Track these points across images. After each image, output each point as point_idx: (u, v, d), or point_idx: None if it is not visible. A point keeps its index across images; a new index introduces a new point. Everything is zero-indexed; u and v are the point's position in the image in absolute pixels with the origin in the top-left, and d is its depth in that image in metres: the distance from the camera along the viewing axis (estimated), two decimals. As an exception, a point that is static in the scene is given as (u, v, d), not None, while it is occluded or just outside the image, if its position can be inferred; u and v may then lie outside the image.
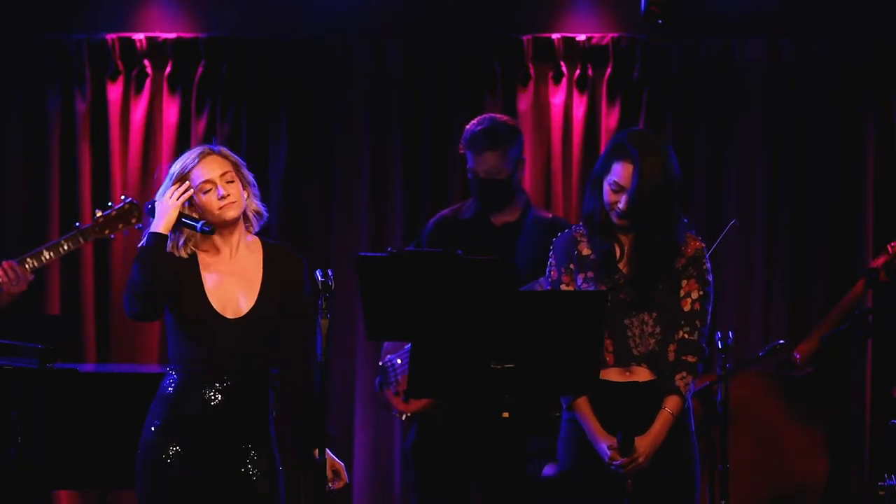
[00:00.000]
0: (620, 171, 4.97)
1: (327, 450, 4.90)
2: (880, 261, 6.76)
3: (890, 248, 6.72)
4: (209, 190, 4.80)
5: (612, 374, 4.98)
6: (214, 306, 4.80)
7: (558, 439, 5.09)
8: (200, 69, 7.62)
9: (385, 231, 7.61)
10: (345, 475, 4.92)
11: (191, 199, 4.81)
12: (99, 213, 6.11)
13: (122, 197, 6.21)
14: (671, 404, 4.94)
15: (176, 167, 4.85)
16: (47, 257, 6.07)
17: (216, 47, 7.62)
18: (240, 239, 4.88)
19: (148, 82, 7.65)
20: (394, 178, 7.61)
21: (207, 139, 7.61)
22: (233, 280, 4.83)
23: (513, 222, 6.47)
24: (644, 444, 4.89)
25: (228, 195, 4.80)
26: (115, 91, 7.65)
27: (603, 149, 7.45)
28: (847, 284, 7.00)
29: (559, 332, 4.67)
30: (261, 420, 4.82)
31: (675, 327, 4.97)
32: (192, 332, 4.81)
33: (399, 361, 6.28)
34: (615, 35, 7.50)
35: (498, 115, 6.67)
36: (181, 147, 7.64)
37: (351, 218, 7.63)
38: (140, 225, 6.20)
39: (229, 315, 4.81)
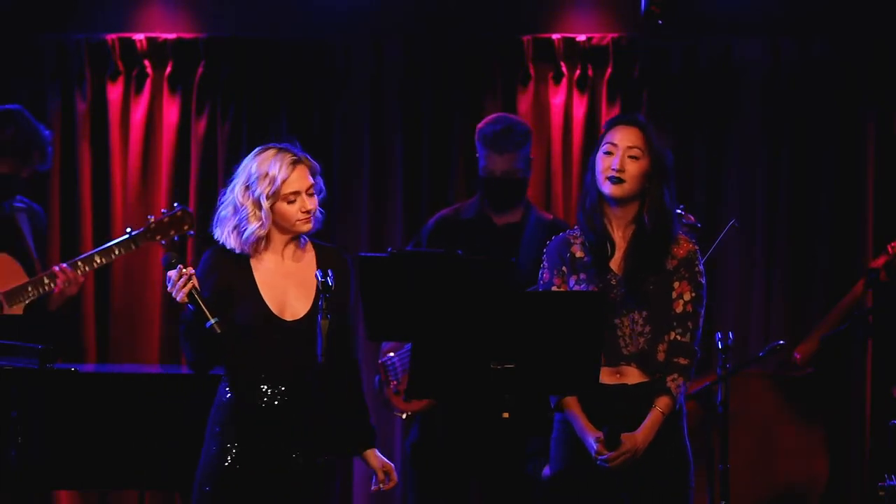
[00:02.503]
0: (614, 133, 4.98)
1: (376, 451, 4.93)
2: (880, 261, 6.77)
3: (890, 248, 6.73)
4: (293, 201, 4.76)
5: (602, 375, 4.96)
6: (272, 310, 4.78)
7: (551, 440, 5.08)
8: (200, 69, 7.62)
9: (385, 231, 7.61)
10: (395, 475, 4.91)
11: (273, 200, 4.75)
12: (152, 219, 6.18)
13: (175, 204, 6.28)
14: (662, 404, 4.93)
15: (262, 169, 4.75)
16: (98, 262, 6.17)
17: (216, 47, 7.62)
18: (294, 241, 4.86)
19: (148, 82, 7.65)
20: (394, 178, 7.61)
21: (208, 139, 7.61)
22: (288, 282, 4.81)
23: (515, 223, 6.49)
24: (634, 439, 4.88)
25: (311, 210, 4.78)
26: (115, 91, 7.65)
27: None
28: (847, 284, 7.00)
29: (559, 333, 4.67)
30: (318, 420, 4.80)
31: (665, 328, 4.96)
32: (249, 335, 4.79)
33: (399, 360, 6.28)
34: (615, 35, 7.50)
35: (512, 115, 6.71)
36: (181, 147, 7.64)
37: (351, 218, 7.64)
38: (192, 231, 6.23)
39: (287, 317, 4.79)
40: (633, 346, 4.94)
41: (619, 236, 5.00)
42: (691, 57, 7.50)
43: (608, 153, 4.96)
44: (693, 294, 4.98)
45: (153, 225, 6.20)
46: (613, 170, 4.93)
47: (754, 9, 7.50)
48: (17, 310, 6.21)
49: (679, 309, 4.97)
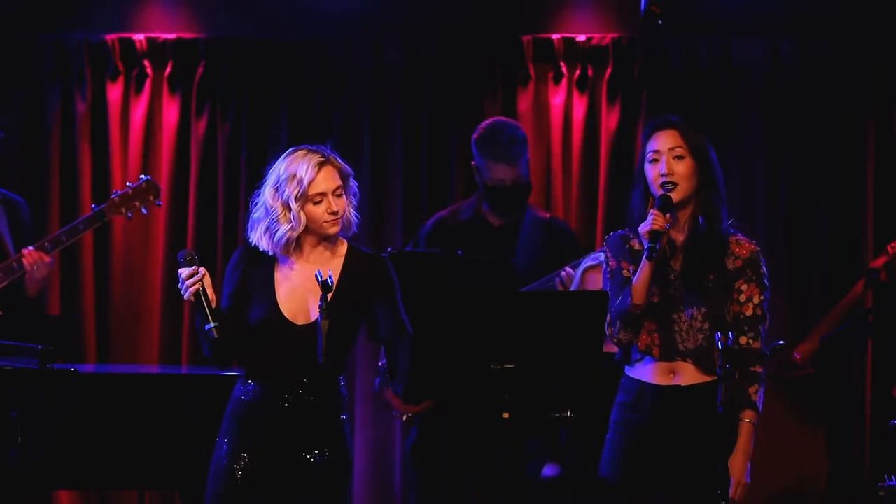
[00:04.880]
0: (654, 140, 4.98)
1: None
2: (880, 261, 6.76)
3: (890, 249, 6.72)
4: (320, 202, 4.74)
5: (657, 375, 4.95)
6: (285, 313, 4.77)
7: (606, 439, 5.04)
8: (200, 69, 7.62)
9: (385, 231, 7.61)
10: None
11: (302, 202, 4.73)
12: (115, 193, 6.18)
13: (141, 176, 6.27)
14: (749, 416, 4.91)
15: (290, 170, 4.73)
16: (65, 241, 6.18)
17: (216, 48, 7.62)
18: (323, 243, 4.85)
19: (148, 83, 7.65)
20: (394, 178, 7.61)
21: (208, 139, 7.61)
22: (307, 285, 4.78)
23: (511, 223, 6.50)
24: (736, 461, 4.87)
25: (337, 212, 4.75)
26: (114, 91, 7.65)
27: (603, 149, 7.51)
28: (847, 284, 7.00)
29: (560, 333, 4.67)
30: (332, 423, 4.81)
31: (727, 326, 4.93)
32: (262, 337, 4.79)
33: (399, 361, 6.28)
34: (615, 35, 7.50)
35: (509, 121, 6.71)
36: (181, 147, 7.64)
37: (351, 218, 7.63)
38: (160, 202, 6.23)
39: (300, 322, 4.78)
40: (690, 343, 4.94)
41: (677, 235, 5.00)
42: (691, 57, 7.50)
43: (653, 161, 4.97)
44: (762, 297, 4.98)
45: (117, 199, 6.19)
46: (663, 175, 4.93)
47: (754, 9, 7.49)
48: None
49: (749, 312, 4.95)
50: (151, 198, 6.21)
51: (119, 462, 5.63)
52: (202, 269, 4.72)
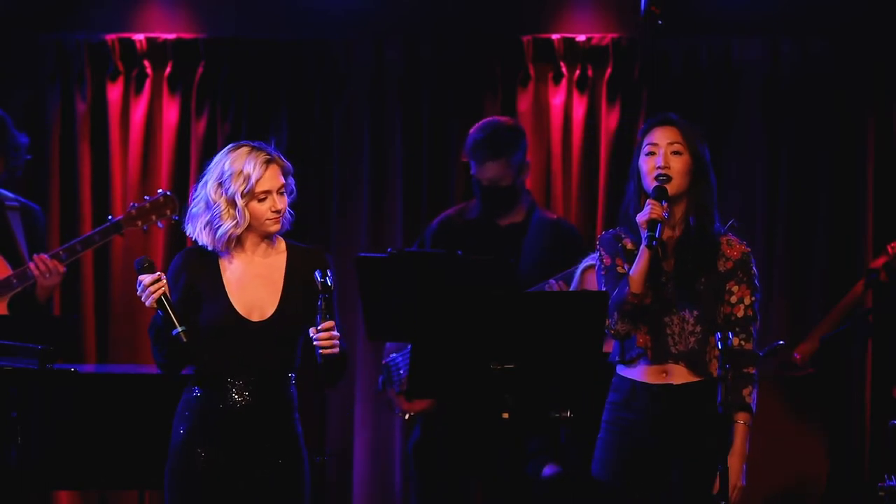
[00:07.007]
0: (653, 134, 4.99)
1: None
2: (880, 261, 6.77)
3: (890, 249, 6.72)
4: (264, 199, 4.75)
5: (648, 374, 4.96)
6: (239, 311, 4.78)
7: (598, 438, 5.04)
8: (200, 70, 7.62)
9: (385, 231, 7.61)
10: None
11: (247, 199, 4.74)
12: (133, 206, 6.19)
13: (159, 190, 6.28)
14: (744, 418, 4.92)
15: (236, 167, 4.73)
16: (80, 251, 6.19)
17: (216, 48, 7.62)
18: (265, 240, 4.85)
19: (148, 83, 7.65)
20: (394, 178, 7.61)
21: (208, 139, 7.61)
22: (256, 282, 4.80)
23: (518, 223, 6.50)
24: (731, 464, 4.85)
25: (280, 210, 4.77)
26: (114, 91, 7.65)
27: (603, 149, 7.51)
28: (847, 284, 7.00)
29: (560, 333, 4.67)
30: (286, 419, 4.81)
31: (718, 328, 4.93)
32: (216, 336, 4.78)
33: (402, 360, 6.29)
34: (615, 35, 7.50)
35: (501, 120, 6.68)
36: (181, 147, 7.64)
37: (351, 218, 7.63)
38: (176, 216, 6.23)
39: (255, 318, 4.78)
40: (682, 345, 4.94)
41: (668, 235, 5.00)
42: (691, 57, 7.50)
43: (650, 154, 4.97)
44: (753, 298, 4.98)
45: (134, 211, 6.20)
46: (659, 167, 4.93)
47: (754, 9, 7.50)
48: (2, 308, 6.22)
49: (740, 313, 4.96)
50: (169, 212, 6.22)
51: (119, 462, 5.63)
52: (161, 274, 4.71)
